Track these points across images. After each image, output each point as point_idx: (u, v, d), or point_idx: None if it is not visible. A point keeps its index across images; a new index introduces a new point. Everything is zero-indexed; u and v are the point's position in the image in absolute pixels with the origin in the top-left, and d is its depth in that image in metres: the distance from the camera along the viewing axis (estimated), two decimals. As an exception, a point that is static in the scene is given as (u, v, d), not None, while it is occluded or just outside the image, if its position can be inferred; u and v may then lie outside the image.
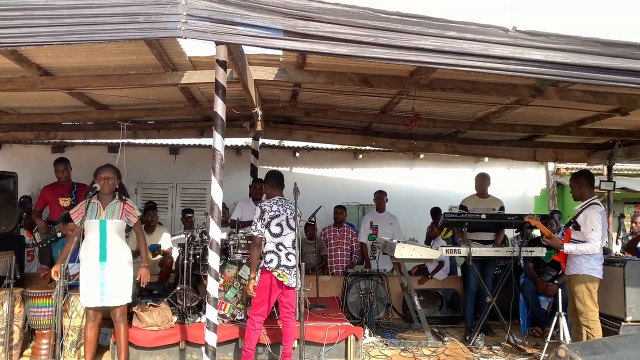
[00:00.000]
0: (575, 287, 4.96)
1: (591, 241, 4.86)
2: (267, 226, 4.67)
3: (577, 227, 5.03)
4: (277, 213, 4.72)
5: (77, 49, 4.48)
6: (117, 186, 4.68)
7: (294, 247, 4.78)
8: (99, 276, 4.48)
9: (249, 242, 5.33)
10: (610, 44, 3.10)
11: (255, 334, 4.67)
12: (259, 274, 4.67)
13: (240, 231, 5.76)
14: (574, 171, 10.12)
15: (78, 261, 4.96)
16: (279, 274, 4.61)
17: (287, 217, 4.76)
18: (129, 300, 4.64)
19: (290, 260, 4.72)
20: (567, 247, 4.96)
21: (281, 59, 5.07)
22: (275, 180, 4.93)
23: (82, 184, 6.00)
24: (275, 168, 10.20)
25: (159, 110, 6.92)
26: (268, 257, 4.66)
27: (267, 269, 4.64)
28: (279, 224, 4.72)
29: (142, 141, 9.41)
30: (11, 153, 9.85)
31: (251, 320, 4.65)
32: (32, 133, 7.77)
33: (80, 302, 4.82)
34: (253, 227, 4.64)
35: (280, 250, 4.70)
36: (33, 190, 9.62)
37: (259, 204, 4.79)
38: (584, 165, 8.81)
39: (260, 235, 4.63)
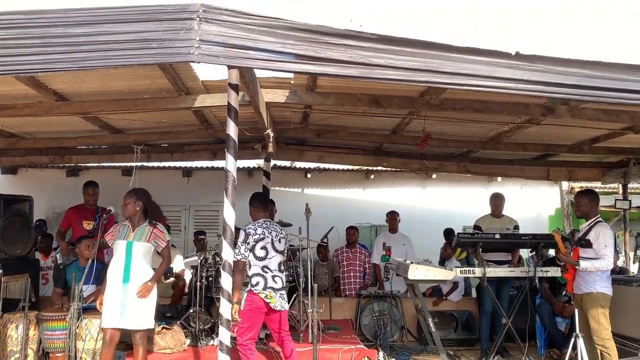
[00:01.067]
0: (589, 305, 4.89)
1: (605, 257, 4.85)
2: (252, 250, 4.60)
3: (587, 245, 5.00)
4: (261, 236, 4.65)
5: (92, 74, 4.57)
6: (145, 209, 4.70)
7: (280, 270, 4.72)
8: (120, 297, 4.47)
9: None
10: (611, 65, 3.11)
11: (254, 358, 4.62)
12: (244, 298, 4.58)
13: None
14: (588, 190, 10.10)
15: (92, 283, 5.01)
16: (266, 295, 4.55)
17: (272, 239, 4.70)
18: (150, 326, 4.58)
19: (276, 283, 4.64)
20: (583, 264, 4.92)
21: (292, 82, 5.12)
22: (259, 202, 4.90)
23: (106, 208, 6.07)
24: (287, 189, 10.33)
25: (172, 133, 7.00)
26: (254, 280, 4.59)
27: (254, 291, 4.56)
28: (263, 247, 4.64)
29: (156, 164, 9.49)
30: (27, 177, 9.99)
31: (244, 347, 4.53)
32: (47, 157, 7.87)
33: (93, 326, 4.84)
34: (237, 250, 4.50)
35: (266, 272, 4.62)
36: (48, 214, 9.75)
37: (243, 228, 4.72)
38: (598, 184, 8.73)
39: (244, 260, 4.55)
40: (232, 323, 4.30)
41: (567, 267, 5.21)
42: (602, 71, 2.97)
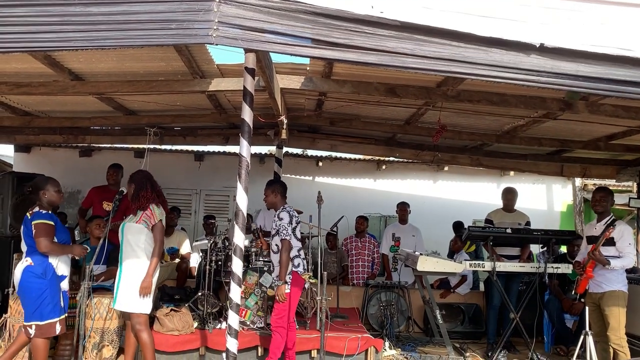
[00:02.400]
0: (610, 303, 4.86)
1: (630, 255, 4.86)
2: (293, 231, 4.74)
3: (609, 243, 4.94)
4: (298, 220, 4.83)
5: (108, 54, 4.57)
6: (137, 193, 4.57)
7: None
8: (117, 280, 4.50)
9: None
10: (636, 60, 3.04)
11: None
12: (289, 278, 4.68)
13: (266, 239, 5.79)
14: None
15: (103, 263, 5.04)
16: (309, 277, 4.70)
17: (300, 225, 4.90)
18: (141, 310, 4.43)
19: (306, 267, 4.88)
20: (614, 263, 4.88)
21: (308, 68, 5.09)
22: (283, 189, 4.97)
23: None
24: (298, 177, 10.31)
25: (186, 116, 7.00)
26: (296, 261, 4.75)
27: (298, 272, 4.73)
28: (300, 231, 4.85)
29: (168, 147, 9.52)
30: (40, 156, 10.04)
31: (282, 329, 4.64)
32: (61, 136, 7.91)
33: (102, 305, 4.88)
34: (284, 231, 4.63)
35: (302, 255, 4.82)
36: (60, 193, 9.80)
37: (286, 209, 4.79)
38: (612, 182, 8.63)
39: (290, 240, 4.66)
40: (281, 302, 4.55)
41: (584, 267, 5.11)
42: (627, 67, 2.91)
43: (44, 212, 4.41)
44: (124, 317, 4.63)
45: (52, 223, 4.39)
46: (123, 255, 4.50)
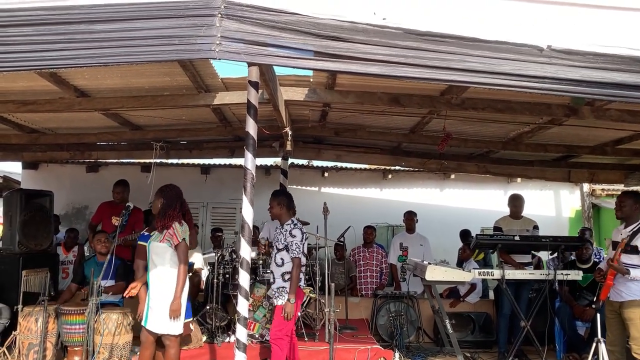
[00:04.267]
0: (631, 312, 4.73)
1: None
2: (303, 248, 4.73)
3: (632, 251, 4.78)
4: (307, 236, 4.81)
5: (112, 71, 4.61)
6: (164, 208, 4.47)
7: None
8: (147, 299, 4.42)
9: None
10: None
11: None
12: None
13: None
14: (610, 192, 9.93)
15: (111, 278, 5.04)
16: (310, 291, 4.68)
17: None
18: (173, 332, 4.33)
19: None
20: (634, 273, 4.73)
21: (311, 80, 5.11)
22: (290, 202, 4.89)
23: (137, 208, 6.14)
24: (304, 188, 10.32)
25: (191, 130, 7.03)
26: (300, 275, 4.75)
27: (300, 287, 4.73)
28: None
29: (174, 161, 9.56)
30: (47, 172, 10.11)
31: (283, 341, 4.58)
32: (68, 153, 7.98)
33: (111, 320, 4.87)
34: (296, 249, 4.60)
35: (303, 270, 4.83)
36: (68, 209, 9.87)
37: (297, 226, 4.74)
38: (620, 187, 8.57)
39: (300, 257, 4.64)
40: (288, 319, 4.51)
41: (605, 274, 5.01)
42: (631, 71, 2.88)
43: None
44: (143, 336, 4.47)
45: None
46: (150, 275, 4.43)
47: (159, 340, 4.42)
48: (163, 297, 4.31)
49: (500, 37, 2.88)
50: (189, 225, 4.55)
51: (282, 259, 4.69)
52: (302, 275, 4.78)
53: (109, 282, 5.28)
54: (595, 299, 5.16)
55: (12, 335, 5.18)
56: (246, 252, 3.87)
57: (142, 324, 4.41)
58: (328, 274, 5.53)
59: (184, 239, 4.38)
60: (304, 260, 4.75)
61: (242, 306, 3.85)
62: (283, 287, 4.61)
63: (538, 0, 3.12)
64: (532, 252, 6.41)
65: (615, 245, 5.02)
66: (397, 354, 5.85)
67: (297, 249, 4.59)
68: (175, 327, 4.32)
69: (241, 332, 3.84)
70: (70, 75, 4.81)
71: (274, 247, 4.87)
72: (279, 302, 4.59)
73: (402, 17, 2.94)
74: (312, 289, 5.22)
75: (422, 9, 3.09)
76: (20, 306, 5.18)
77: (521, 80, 2.89)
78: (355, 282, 7.71)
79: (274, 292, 4.75)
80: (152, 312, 4.34)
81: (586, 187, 10.30)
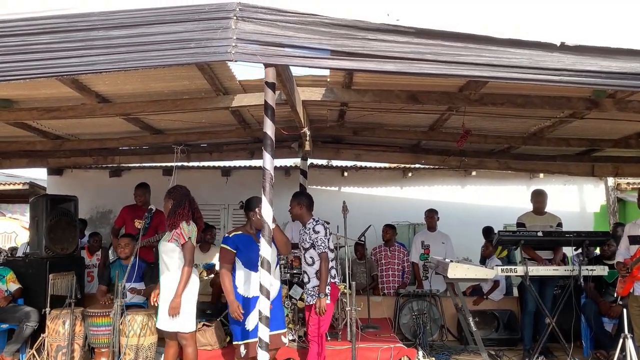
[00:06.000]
0: None
1: None
2: (328, 242, 4.78)
3: None
4: (331, 231, 4.86)
5: (132, 75, 4.67)
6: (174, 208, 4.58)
7: None
8: (159, 298, 4.52)
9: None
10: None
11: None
12: (328, 290, 4.68)
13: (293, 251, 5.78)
14: (636, 186, 9.72)
15: (135, 281, 5.12)
16: (344, 287, 4.72)
17: None
18: (185, 330, 4.42)
19: None
20: None
21: (328, 79, 5.11)
22: (309, 202, 4.96)
23: (160, 210, 6.18)
24: (324, 188, 10.32)
25: (211, 133, 7.09)
26: (332, 272, 4.78)
27: (336, 283, 4.78)
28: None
29: (195, 164, 9.65)
30: (72, 178, 10.28)
31: (323, 338, 4.67)
32: (91, 158, 8.10)
33: (136, 322, 4.94)
34: (322, 244, 4.67)
35: (334, 265, 4.86)
36: (92, 214, 10.03)
37: (320, 222, 4.82)
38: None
39: (327, 252, 4.69)
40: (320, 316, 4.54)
41: (630, 268, 4.91)
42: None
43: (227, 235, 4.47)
44: (165, 335, 4.61)
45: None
46: (160, 274, 4.56)
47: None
48: (172, 296, 4.40)
49: (513, 34, 2.86)
50: (198, 224, 4.64)
51: (311, 257, 4.74)
52: (334, 271, 4.83)
53: (134, 284, 5.37)
54: (615, 294, 5.08)
55: (40, 338, 5.30)
56: (267, 252, 3.89)
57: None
58: (349, 273, 5.53)
59: (190, 238, 4.46)
60: (331, 254, 4.77)
61: (264, 305, 3.87)
62: (318, 286, 4.67)
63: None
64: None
65: (634, 239, 4.95)
66: (420, 353, 5.82)
67: (323, 244, 4.66)
68: (186, 325, 4.41)
69: (263, 332, 3.86)
70: (91, 82, 4.90)
71: (300, 247, 4.92)
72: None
73: (415, 19, 2.93)
74: (345, 284, 5.24)
75: (434, 11, 3.08)
76: (48, 309, 5.29)
77: (539, 73, 2.86)
78: (376, 281, 7.70)
79: (309, 291, 4.80)
80: (161, 311, 4.44)
81: (611, 181, 10.11)
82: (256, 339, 3.92)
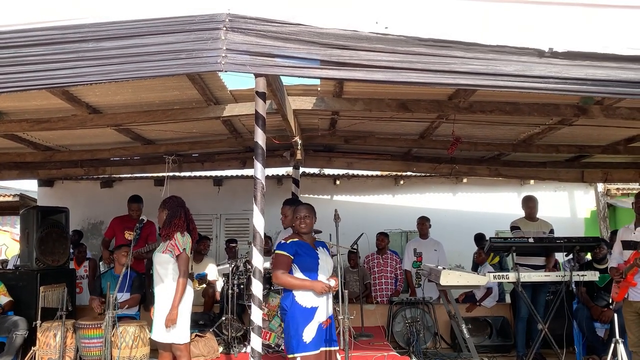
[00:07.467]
0: None
1: None
2: None
3: None
4: None
5: (123, 86, 4.68)
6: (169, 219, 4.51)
7: None
8: (154, 310, 4.48)
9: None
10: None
11: None
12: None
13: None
14: (625, 191, 9.81)
15: (126, 291, 5.09)
16: None
17: None
18: (178, 341, 4.35)
19: None
20: None
21: (319, 88, 5.15)
22: None
23: (150, 221, 6.14)
24: (316, 196, 10.33)
25: (203, 143, 7.10)
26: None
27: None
28: None
29: (187, 174, 9.65)
30: (63, 189, 10.23)
31: None
32: (82, 169, 8.07)
33: (128, 334, 4.92)
34: None
35: None
36: (83, 225, 9.97)
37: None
38: (636, 186, 8.48)
39: None
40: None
41: (624, 273, 4.92)
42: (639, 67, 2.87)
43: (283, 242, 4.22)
44: (159, 346, 4.53)
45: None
46: (155, 286, 4.49)
47: None
48: (167, 307, 4.33)
49: (502, 41, 2.89)
50: (192, 235, 4.58)
51: None
52: None
53: (125, 295, 5.34)
54: (610, 300, 5.09)
55: (31, 351, 5.26)
56: (259, 261, 3.90)
57: (150, 334, 4.45)
58: (342, 281, 5.53)
59: (184, 249, 4.40)
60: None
61: (256, 315, 3.87)
62: None
63: (538, 1, 3.12)
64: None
65: (627, 244, 4.96)
66: (414, 360, 5.83)
67: None
68: (181, 336, 4.35)
69: (256, 342, 3.85)
70: (82, 93, 4.90)
71: None
72: None
73: (403, 26, 2.96)
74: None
75: (423, 18, 3.11)
76: (38, 322, 5.25)
77: (526, 81, 2.89)
78: (369, 289, 7.70)
79: None
80: (156, 322, 4.38)
81: (601, 187, 10.19)
82: (314, 352, 3.88)
